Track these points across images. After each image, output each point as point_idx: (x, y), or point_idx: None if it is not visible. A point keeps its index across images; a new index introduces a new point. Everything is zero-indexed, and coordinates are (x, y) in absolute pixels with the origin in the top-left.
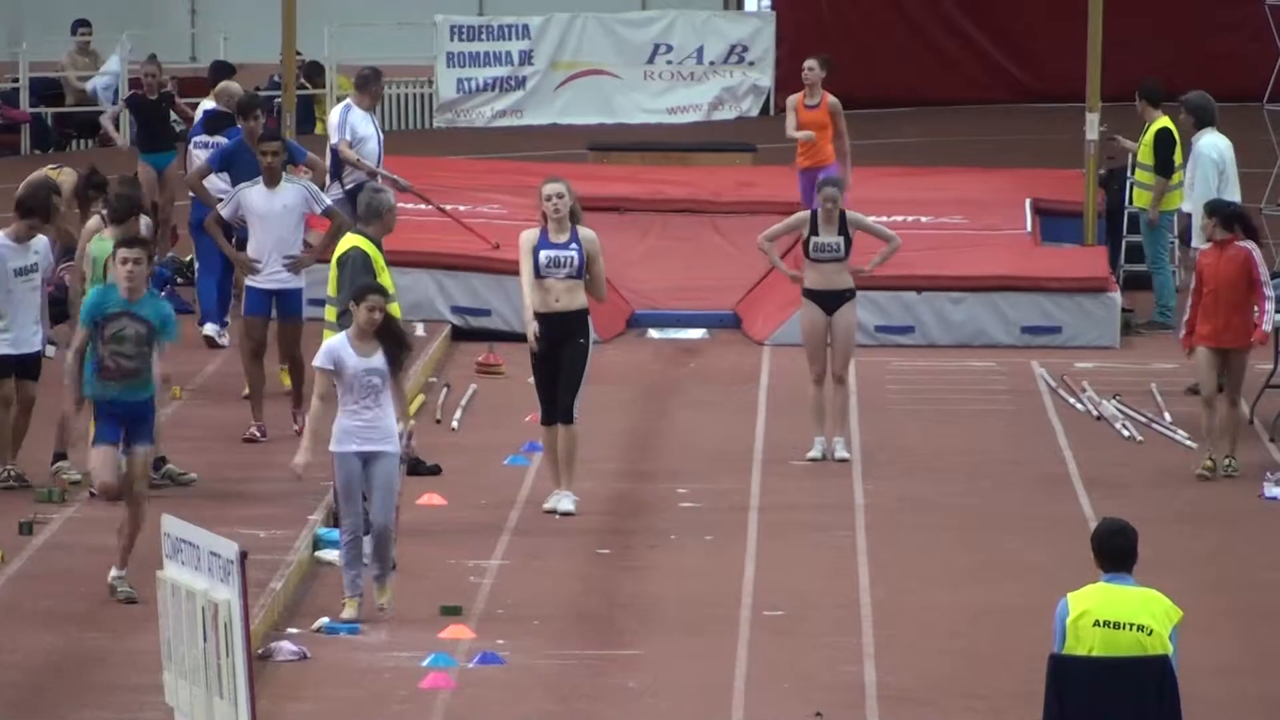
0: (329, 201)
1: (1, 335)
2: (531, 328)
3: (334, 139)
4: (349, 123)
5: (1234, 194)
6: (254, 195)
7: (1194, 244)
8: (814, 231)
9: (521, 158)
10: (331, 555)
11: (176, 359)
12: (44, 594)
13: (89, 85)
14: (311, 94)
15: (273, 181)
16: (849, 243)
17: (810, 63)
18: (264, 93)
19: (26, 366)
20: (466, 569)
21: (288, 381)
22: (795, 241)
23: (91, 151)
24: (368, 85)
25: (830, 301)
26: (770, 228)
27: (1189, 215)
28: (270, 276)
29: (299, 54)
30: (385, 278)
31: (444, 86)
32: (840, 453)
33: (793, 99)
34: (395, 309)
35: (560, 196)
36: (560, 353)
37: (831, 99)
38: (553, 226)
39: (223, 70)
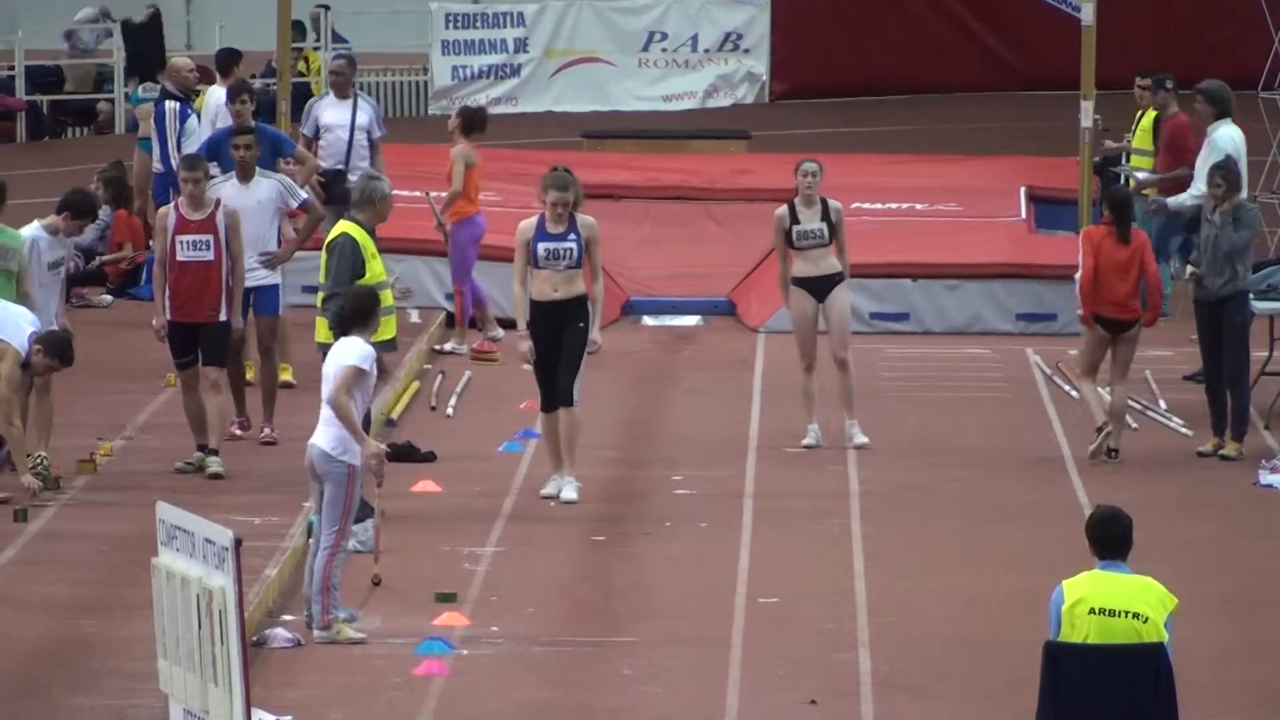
0: (305, 195)
1: None
2: (525, 345)
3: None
4: (312, 113)
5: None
6: (227, 191)
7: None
8: (794, 220)
9: (516, 145)
10: None
11: (166, 350)
12: (38, 581)
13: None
14: (308, 82)
15: (246, 176)
16: (832, 227)
17: (454, 121)
18: (260, 81)
19: None
20: (461, 555)
21: (253, 374)
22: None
23: (87, 139)
24: (338, 72)
25: (820, 287)
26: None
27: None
28: (246, 274)
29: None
30: (376, 265)
31: (439, 74)
32: (858, 439)
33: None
34: (388, 296)
35: (564, 205)
36: (559, 338)
37: (455, 151)
38: (550, 215)
39: (230, 57)
